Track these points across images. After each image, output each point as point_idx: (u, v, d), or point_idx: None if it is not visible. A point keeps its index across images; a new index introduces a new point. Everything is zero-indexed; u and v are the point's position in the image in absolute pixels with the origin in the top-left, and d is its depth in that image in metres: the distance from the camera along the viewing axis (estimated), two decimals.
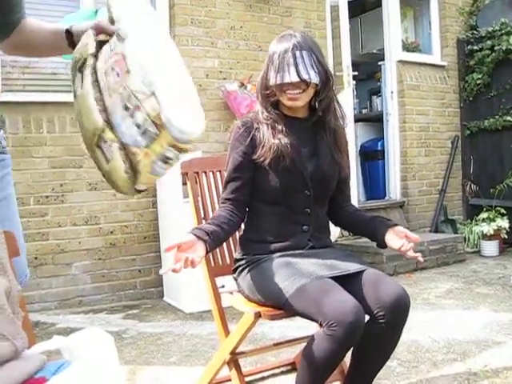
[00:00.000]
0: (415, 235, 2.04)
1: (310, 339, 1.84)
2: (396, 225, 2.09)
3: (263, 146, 2.03)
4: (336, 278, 1.90)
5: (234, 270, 2.18)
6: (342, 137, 2.20)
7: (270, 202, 2.09)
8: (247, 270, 2.09)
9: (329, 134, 2.14)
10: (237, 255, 2.19)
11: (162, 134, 1.31)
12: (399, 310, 1.87)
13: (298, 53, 2.01)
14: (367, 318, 1.86)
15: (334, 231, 2.91)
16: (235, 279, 2.19)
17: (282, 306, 1.91)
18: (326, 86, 2.08)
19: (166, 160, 1.36)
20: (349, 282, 1.91)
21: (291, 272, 1.93)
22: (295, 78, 1.99)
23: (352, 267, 1.98)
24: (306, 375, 1.87)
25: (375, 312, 1.87)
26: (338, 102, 2.19)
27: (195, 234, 1.88)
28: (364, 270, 1.99)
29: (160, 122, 1.30)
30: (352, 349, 1.93)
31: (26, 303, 1.35)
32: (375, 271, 2.01)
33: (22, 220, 4.10)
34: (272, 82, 2.04)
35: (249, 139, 2.06)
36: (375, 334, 1.90)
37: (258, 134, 2.06)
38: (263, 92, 2.11)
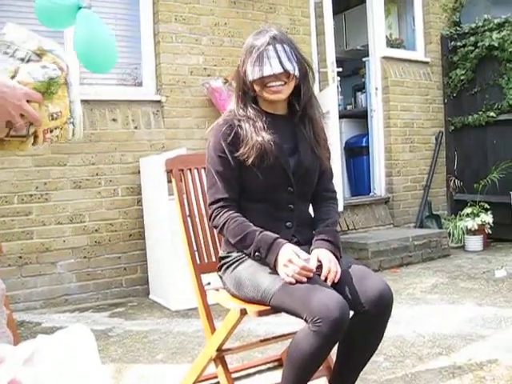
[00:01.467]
0: (329, 270, 1.91)
1: (296, 335, 1.84)
2: (326, 248, 2.01)
3: (246, 144, 2.01)
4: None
5: (219, 268, 2.18)
6: (321, 130, 2.18)
7: (254, 200, 2.08)
8: (232, 267, 2.08)
9: (309, 129, 2.13)
10: (221, 253, 2.19)
11: None
12: (383, 304, 1.88)
13: (278, 46, 2.00)
14: (352, 313, 1.87)
15: None
16: (220, 277, 2.19)
17: (267, 303, 1.91)
18: (305, 78, 2.09)
19: None
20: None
21: (271, 270, 1.94)
22: (278, 70, 1.98)
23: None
24: (292, 371, 1.87)
25: (359, 307, 1.89)
26: (314, 96, 2.19)
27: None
28: (349, 266, 2.00)
29: None
30: (338, 344, 1.94)
31: (10, 302, 1.34)
32: (360, 267, 2.02)
33: (6, 219, 4.10)
34: (252, 76, 2.01)
35: (231, 137, 2.03)
36: (360, 329, 1.92)
37: (240, 132, 2.03)
38: (242, 88, 2.09)
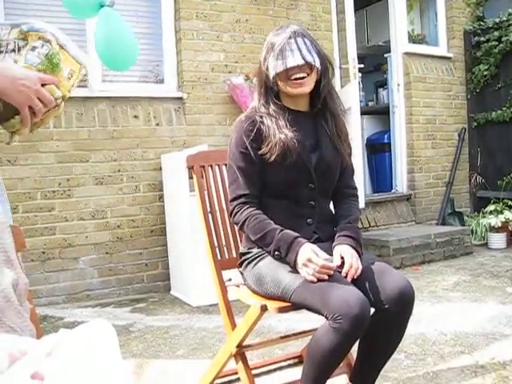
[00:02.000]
0: (351, 265, 1.92)
1: (316, 332, 1.84)
2: (349, 244, 2.02)
3: (269, 142, 2.01)
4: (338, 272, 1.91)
5: (240, 264, 2.18)
6: (343, 124, 2.18)
7: (275, 196, 2.08)
8: (253, 263, 2.09)
9: (331, 124, 2.13)
10: (242, 249, 2.19)
11: None
12: (403, 302, 1.87)
13: (299, 39, 2.02)
14: (373, 310, 1.86)
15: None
16: (241, 273, 2.19)
17: (287, 300, 1.91)
18: (326, 72, 2.09)
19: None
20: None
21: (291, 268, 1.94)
22: (300, 61, 1.99)
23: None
24: (312, 368, 1.87)
25: (380, 305, 1.87)
26: (335, 90, 2.19)
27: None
28: (370, 263, 1.99)
29: None
30: (358, 341, 1.94)
31: (33, 297, 1.36)
32: (381, 264, 2.01)
33: (29, 215, 4.15)
34: (275, 70, 2.02)
35: (253, 133, 2.03)
36: (381, 326, 1.91)
37: (263, 128, 2.04)
38: (264, 85, 2.09)
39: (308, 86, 2.05)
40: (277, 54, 2.01)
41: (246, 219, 2.02)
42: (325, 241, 2.08)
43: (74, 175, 4.30)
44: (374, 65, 7.50)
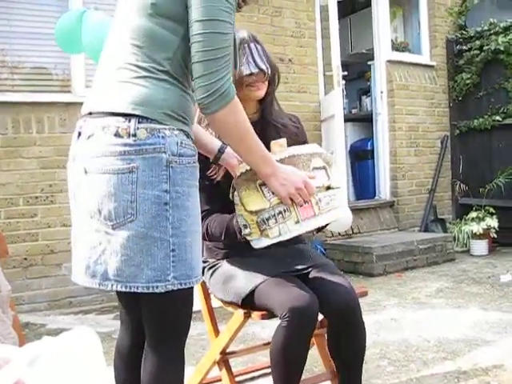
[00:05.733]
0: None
1: (273, 336, 1.87)
2: None
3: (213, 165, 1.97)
4: (292, 274, 1.97)
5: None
6: (292, 134, 2.13)
7: (228, 211, 2.00)
8: (210, 272, 2.12)
9: (279, 131, 2.09)
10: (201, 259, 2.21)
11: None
12: (343, 313, 1.91)
13: (252, 44, 2.01)
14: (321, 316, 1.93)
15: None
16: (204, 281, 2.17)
17: (241, 306, 1.96)
18: (274, 79, 2.09)
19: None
20: (304, 278, 1.98)
21: (247, 273, 1.98)
22: (255, 69, 1.98)
23: (303, 264, 2.04)
24: (276, 374, 1.89)
25: (326, 315, 1.94)
26: (276, 100, 2.18)
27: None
28: (315, 268, 2.03)
29: None
30: (327, 345, 2.03)
31: (15, 304, 1.35)
32: (325, 269, 2.03)
33: (12, 221, 4.11)
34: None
35: (203, 158, 1.91)
36: (334, 335, 1.99)
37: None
38: None
39: (263, 90, 2.05)
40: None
41: (206, 228, 2.00)
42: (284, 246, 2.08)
43: (56, 181, 4.26)
44: (357, 72, 7.53)
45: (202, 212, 1.97)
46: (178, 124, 1.45)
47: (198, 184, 1.52)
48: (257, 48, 2.02)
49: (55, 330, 3.61)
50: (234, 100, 1.46)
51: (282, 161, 1.76)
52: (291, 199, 1.70)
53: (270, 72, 2.03)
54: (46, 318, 4.00)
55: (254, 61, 1.99)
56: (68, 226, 4.20)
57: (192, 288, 1.52)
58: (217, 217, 2.01)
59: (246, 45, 1.99)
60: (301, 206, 1.72)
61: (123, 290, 1.42)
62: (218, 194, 2.01)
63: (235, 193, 1.78)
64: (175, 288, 1.43)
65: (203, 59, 1.39)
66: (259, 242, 1.78)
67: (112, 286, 1.43)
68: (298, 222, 1.74)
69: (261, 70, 1.99)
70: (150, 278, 1.40)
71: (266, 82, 2.05)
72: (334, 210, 1.81)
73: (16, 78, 4.33)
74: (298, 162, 1.80)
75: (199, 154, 1.86)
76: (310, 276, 2.01)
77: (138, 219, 1.38)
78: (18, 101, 4.17)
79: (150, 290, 1.41)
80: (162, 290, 1.41)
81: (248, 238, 1.79)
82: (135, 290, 1.42)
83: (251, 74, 1.98)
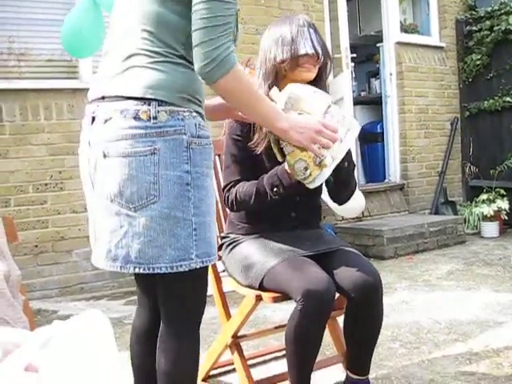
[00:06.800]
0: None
1: (288, 319, 1.87)
2: None
3: (258, 133, 2.01)
4: (310, 258, 1.96)
5: (220, 247, 2.20)
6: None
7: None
8: (229, 248, 2.14)
9: None
10: (222, 234, 2.25)
11: None
12: (367, 290, 1.90)
13: (311, 30, 2.04)
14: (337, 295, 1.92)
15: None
16: (220, 257, 2.19)
17: (257, 288, 1.96)
18: (325, 66, 2.10)
19: None
20: (322, 262, 1.96)
21: (264, 254, 1.98)
22: (311, 50, 2.00)
23: (323, 246, 2.04)
24: (291, 357, 1.91)
25: (346, 293, 1.92)
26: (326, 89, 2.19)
27: None
28: (337, 251, 2.03)
29: None
30: (343, 326, 2.04)
31: (26, 291, 1.35)
32: (349, 252, 2.05)
33: (22, 208, 4.12)
34: (285, 55, 1.99)
35: (245, 126, 2.04)
36: (352, 315, 1.98)
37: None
38: (267, 73, 2.05)
39: (314, 73, 2.05)
40: (287, 41, 2.00)
41: (235, 194, 2.04)
42: (305, 230, 2.12)
43: (66, 168, 4.26)
44: (366, 55, 7.48)
45: (231, 182, 2.06)
46: (195, 107, 1.48)
47: (212, 164, 1.55)
48: (315, 33, 2.05)
49: (67, 316, 3.60)
50: (234, 68, 1.44)
51: (287, 104, 1.84)
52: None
53: (323, 58, 2.04)
54: (58, 304, 4.02)
55: (312, 43, 2.01)
56: (78, 213, 4.26)
57: (207, 268, 1.56)
58: (244, 183, 2.04)
59: (305, 28, 2.03)
60: (328, 147, 1.75)
61: (145, 272, 1.44)
62: (251, 165, 2.06)
63: (284, 143, 1.85)
64: (197, 266, 1.46)
65: (202, 26, 1.39)
66: (321, 176, 1.85)
67: (134, 268, 1.45)
68: (341, 141, 1.84)
69: (316, 52, 2.01)
70: (173, 258, 1.42)
71: (317, 66, 2.05)
72: (350, 131, 1.90)
73: (23, 65, 4.32)
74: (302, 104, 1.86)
75: (242, 125, 2.04)
76: (332, 257, 2.00)
77: (160, 200, 1.40)
78: (26, 88, 4.16)
79: (175, 270, 1.43)
80: (186, 269, 1.44)
81: (308, 180, 1.85)
82: (159, 271, 1.43)
83: (306, 55, 2.00)
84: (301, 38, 2.00)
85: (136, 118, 1.40)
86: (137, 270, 1.45)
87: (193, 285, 1.53)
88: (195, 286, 1.55)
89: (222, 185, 2.12)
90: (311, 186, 1.87)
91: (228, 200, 2.07)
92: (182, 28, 1.46)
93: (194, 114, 1.46)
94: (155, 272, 1.44)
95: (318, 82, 2.09)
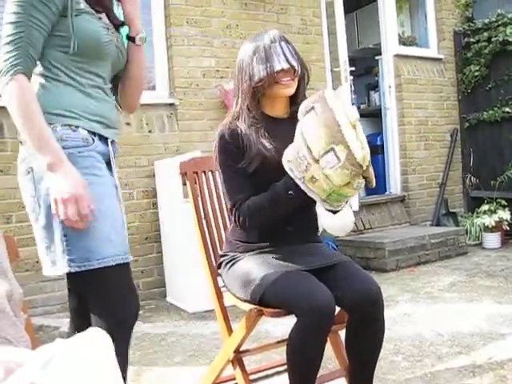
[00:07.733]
0: None
1: (289, 335, 1.87)
2: None
3: (250, 152, 1.99)
4: (310, 272, 1.95)
5: (219, 266, 2.20)
6: None
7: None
8: (228, 266, 2.13)
9: None
10: (221, 252, 2.25)
11: None
12: (367, 304, 1.90)
13: (283, 43, 2.03)
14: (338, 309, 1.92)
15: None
16: (220, 275, 2.21)
17: (258, 303, 1.95)
18: (304, 78, 2.10)
19: None
20: (322, 276, 1.94)
21: (263, 269, 1.96)
22: (286, 65, 1.99)
23: (323, 260, 2.02)
24: (292, 374, 1.90)
25: (347, 308, 1.92)
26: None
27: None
28: (337, 264, 2.02)
29: None
30: (344, 343, 2.02)
31: (28, 307, 1.35)
32: (348, 265, 2.04)
33: (23, 224, 4.13)
34: (261, 74, 1.99)
35: (236, 148, 2.01)
36: (353, 328, 1.97)
37: (244, 139, 2.01)
38: (245, 91, 2.04)
39: (293, 88, 2.05)
40: (261, 58, 2.00)
41: (247, 210, 1.99)
42: (303, 244, 2.11)
43: None
44: (364, 67, 7.51)
45: (237, 201, 2.01)
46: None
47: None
48: (288, 47, 2.04)
49: (69, 333, 3.62)
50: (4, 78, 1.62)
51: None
52: None
53: (300, 70, 2.04)
54: (60, 320, 4.01)
55: (286, 58, 2.00)
56: None
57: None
58: (253, 197, 2.00)
59: (277, 43, 2.02)
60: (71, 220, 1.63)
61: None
62: (250, 182, 2.02)
63: (313, 184, 1.83)
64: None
65: None
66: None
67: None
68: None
69: (291, 66, 2.01)
70: None
71: (296, 80, 2.06)
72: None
73: None
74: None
75: (232, 143, 2.01)
76: (332, 271, 1.99)
77: None
78: None
79: None
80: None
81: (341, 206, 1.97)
82: None
83: (282, 70, 1.99)
84: (274, 55, 1.99)
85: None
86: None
87: None
88: None
89: (229, 204, 2.05)
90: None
91: (239, 218, 2.01)
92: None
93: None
94: None
95: (297, 94, 2.09)
